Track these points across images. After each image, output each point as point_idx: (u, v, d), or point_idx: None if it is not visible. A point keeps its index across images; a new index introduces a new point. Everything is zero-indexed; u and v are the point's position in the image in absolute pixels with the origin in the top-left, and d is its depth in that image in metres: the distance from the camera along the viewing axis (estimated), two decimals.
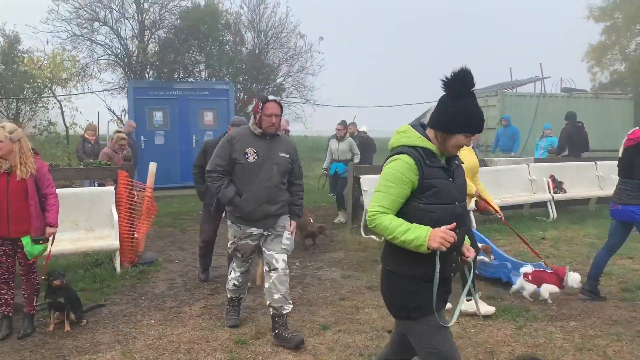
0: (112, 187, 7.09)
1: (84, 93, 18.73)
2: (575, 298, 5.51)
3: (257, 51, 20.36)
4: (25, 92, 18.00)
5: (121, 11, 18.22)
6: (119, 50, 18.72)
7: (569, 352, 4.20)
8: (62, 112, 19.10)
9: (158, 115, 15.08)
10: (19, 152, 4.63)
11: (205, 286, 6.28)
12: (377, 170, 9.50)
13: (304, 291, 5.99)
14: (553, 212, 9.76)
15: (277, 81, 20.94)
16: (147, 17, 18.56)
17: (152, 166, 7.25)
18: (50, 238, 4.83)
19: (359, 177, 8.80)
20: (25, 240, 4.70)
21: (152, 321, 5.16)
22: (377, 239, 8.21)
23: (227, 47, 19.81)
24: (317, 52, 20.77)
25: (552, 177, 10.09)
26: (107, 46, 18.61)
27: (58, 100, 18.95)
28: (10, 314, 4.88)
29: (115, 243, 6.63)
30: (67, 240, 6.58)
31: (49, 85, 18.56)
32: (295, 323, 4.94)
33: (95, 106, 19.49)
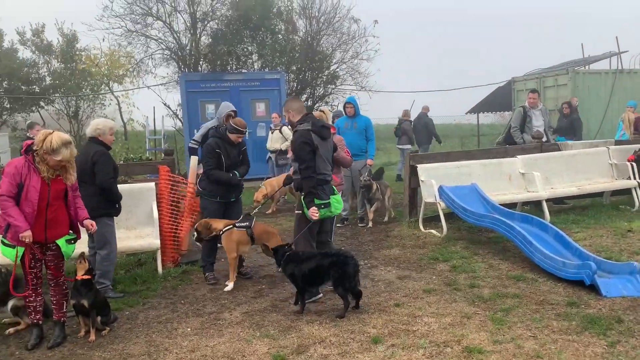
0: (153, 183, 6.75)
1: (139, 88, 18.88)
2: None
3: (309, 38, 19.81)
4: (83, 90, 18.33)
5: (173, 4, 18.15)
6: (172, 44, 18.71)
7: None
8: (120, 108, 19.36)
9: (210, 108, 14.83)
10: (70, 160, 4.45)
11: (249, 287, 5.82)
12: (436, 158, 8.71)
13: None
14: (639, 200, 8.64)
15: (331, 69, 20.31)
16: (198, 9, 18.41)
17: (193, 160, 6.86)
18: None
19: (416, 167, 8.08)
20: (61, 242, 4.45)
21: (189, 329, 4.74)
22: (438, 234, 7.48)
23: (279, 36, 19.38)
24: (372, 36, 19.93)
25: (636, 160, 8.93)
26: (160, 40, 18.65)
27: (115, 97, 19.22)
28: (41, 322, 4.59)
29: (156, 242, 6.28)
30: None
31: (106, 81, 18.81)
32: (343, 334, 4.37)
33: (151, 101, 19.55)
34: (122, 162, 8.34)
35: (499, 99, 20.42)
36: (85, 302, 4.52)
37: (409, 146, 13.68)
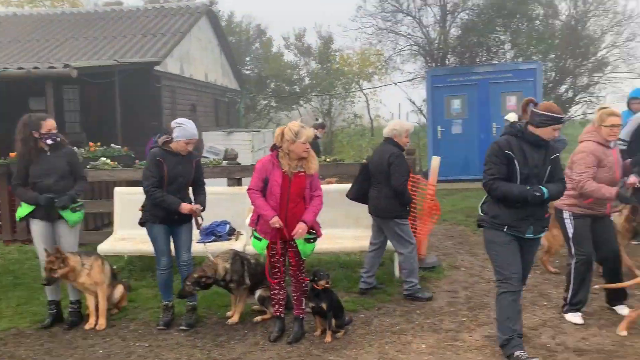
0: None
1: (387, 85, 19.24)
2: None
3: (573, 22, 17.55)
4: (336, 88, 19.51)
5: None
6: (421, 39, 18.57)
7: None
8: (368, 105, 20.07)
9: (456, 103, 14.26)
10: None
11: (492, 306, 5.17)
12: None
13: (625, 337, 4.34)
14: None
15: (599, 54, 17.68)
16: (449, 0, 17.85)
17: (435, 161, 6.47)
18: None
19: None
20: (299, 241, 4.51)
21: (423, 346, 4.39)
22: None
23: (536, 22, 17.63)
24: None
25: None
26: (409, 36, 18.66)
27: (364, 94, 19.96)
28: (283, 315, 4.75)
29: None
30: (347, 237, 6.31)
31: (357, 80, 19.68)
32: None
33: (397, 98, 19.82)
34: (365, 160, 8.37)
35: None
36: (323, 305, 4.52)
37: None
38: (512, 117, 10.98)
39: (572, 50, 17.34)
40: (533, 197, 3.83)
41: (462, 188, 12.65)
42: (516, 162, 3.88)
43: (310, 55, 21.01)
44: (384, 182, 5.34)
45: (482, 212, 4.13)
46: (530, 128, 3.93)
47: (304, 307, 4.72)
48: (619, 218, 5.60)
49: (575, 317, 4.69)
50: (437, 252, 7.11)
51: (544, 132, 3.89)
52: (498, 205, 3.97)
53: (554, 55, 17.73)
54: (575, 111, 18.27)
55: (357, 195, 5.67)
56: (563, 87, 18.18)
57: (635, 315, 4.39)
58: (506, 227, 3.94)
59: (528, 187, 3.85)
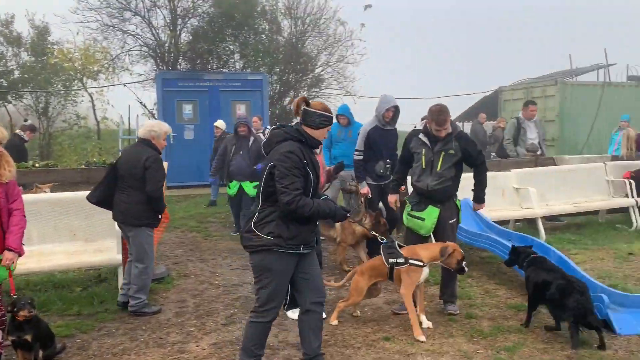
0: None
1: (114, 85, 18.04)
2: None
3: (294, 39, 19.21)
4: (54, 85, 17.46)
5: None
6: (151, 41, 17.92)
7: None
8: (93, 106, 18.48)
9: (187, 109, 14.20)
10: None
11: (220, 311, 5.20)
12: None
13: (337, 326, 4.81)
14: (637, 220, 8.22)
15: (316, 71, 19.75)
16: (179, 4, 17.64)
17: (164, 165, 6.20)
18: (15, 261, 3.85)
19: None
20: None
21: None
22: None
23: (263, 35, 18.74)
24: (359, 39, 19.41)
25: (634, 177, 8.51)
26: (138, 36, 17.83)
27: (89, 93, 18.34)
28: None
29: (117, 257, 5.58)
30: (61, 253, 5.61)
31: (79, 77, 17.95)
32: None
33: (127, 99, 18.70)
34: (83, 165, 7.62)
35: (485, 109, 20.13)
36: (28, 337, 3.85)
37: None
38: (220, 124, 11.42)
39: (293, 65, 18.95)
40: (342, 214, 3.63)
41: (194, 194, 12.62)
42: (310, 172, 3.47)
43: (21, 45, 18.30)
44: (136, 187, 4.96)
45: (261, 232, 3.46)
46: (308, 130, 3.54)
47: (1, 340, 3.97)
48: (360, 228, 6.19)
49: (294, 314, 4.99)
50: (167, 261, 6.86)
51: (320, 134, 3.58)
52: (292, 224, 3.45)
53: (278, 69, 19.10)
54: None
55: (101, 199, 5.13)
56: (287, 99, 19.73)
57: (343, 306, 4.89)
58: (302, 245, 3.51)
59: (335, 204, 3.64)
